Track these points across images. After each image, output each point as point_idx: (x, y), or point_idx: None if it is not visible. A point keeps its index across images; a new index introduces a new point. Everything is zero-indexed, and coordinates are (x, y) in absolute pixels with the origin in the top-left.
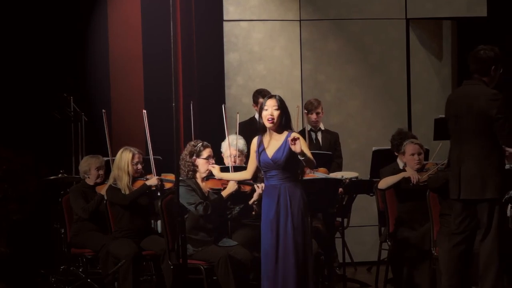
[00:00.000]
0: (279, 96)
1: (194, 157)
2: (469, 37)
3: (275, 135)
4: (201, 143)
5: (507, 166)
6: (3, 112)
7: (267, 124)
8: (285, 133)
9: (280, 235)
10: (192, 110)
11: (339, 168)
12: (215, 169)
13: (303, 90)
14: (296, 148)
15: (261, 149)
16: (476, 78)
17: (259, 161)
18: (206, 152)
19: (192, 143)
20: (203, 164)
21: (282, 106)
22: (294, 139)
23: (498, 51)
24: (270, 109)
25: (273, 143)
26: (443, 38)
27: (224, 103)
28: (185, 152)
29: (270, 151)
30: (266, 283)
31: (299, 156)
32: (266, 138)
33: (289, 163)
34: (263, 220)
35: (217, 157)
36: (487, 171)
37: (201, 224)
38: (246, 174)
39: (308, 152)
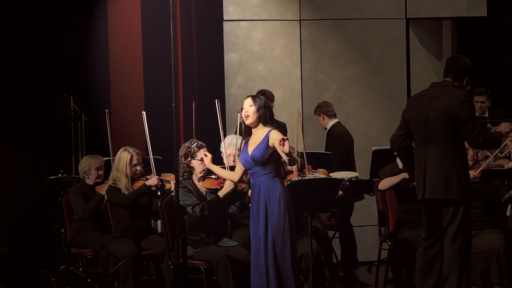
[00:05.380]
0: (256, 94)
1: (189, 159)
2: (469, 37)
3: (256, 132)
4: (195, 144)
5: (507, 166)
6: (2, 112)
7: (245, 121)
8: (266, 130)
9: (260, 233)
10: (194, 110)
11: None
12: (207, 158)
13: (303, 90)
14: (285, 148)
15: (243, 148)
16: (447, 81)
17: (240, 159)
18: (200, 153)
19: (187, 144)
20: (198, 165)
21: (258, 102)
22: (283, 140)
23: (473, 67)
24: (245, 107)
25: (254, 140)
26: (443, 38)
27: (218, 100)
28: (180, 153)
29: (250, 149)
30: (254, 276)
31: (286, 156)
32: (251, 138)
33: (267, 159)
34: (250, 218)
35: (217, 157)
36: (451, 172)
37: (200, 224)
38: (233, 176)
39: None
